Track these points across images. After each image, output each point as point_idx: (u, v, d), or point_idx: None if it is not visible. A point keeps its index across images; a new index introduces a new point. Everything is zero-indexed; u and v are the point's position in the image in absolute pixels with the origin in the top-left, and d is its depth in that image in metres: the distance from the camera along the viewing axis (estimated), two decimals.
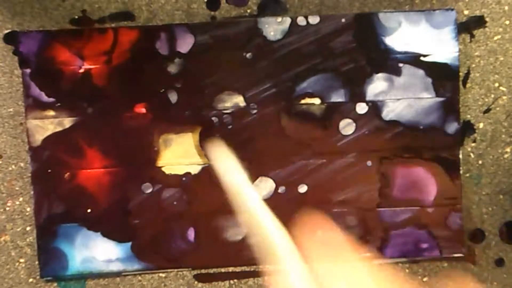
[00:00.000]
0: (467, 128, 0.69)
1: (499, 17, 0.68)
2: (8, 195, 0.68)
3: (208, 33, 0.66)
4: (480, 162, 0.69)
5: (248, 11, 0.68)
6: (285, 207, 0.67)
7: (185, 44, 0.66)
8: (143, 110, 0.66)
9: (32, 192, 0.66)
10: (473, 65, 0.68)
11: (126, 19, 0.67)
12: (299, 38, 0.66)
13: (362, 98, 0.67)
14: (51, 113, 0.66)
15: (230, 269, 0.68)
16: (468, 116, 0.69)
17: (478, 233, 0.69)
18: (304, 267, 0.49)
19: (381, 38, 0.67)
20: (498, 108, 0.69)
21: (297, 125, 0.67)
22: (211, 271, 0.68)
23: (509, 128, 0.69)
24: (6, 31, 0.67)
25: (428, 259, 0.69)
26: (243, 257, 0.67)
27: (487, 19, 0.68)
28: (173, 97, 0.66)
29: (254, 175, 0.67)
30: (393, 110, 0.67)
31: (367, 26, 0.67)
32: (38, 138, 0.66)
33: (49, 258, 0.66)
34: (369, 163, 0.67)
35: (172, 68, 0.66)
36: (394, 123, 0.67)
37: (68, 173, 0.66)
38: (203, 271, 0.68)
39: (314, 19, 0.66)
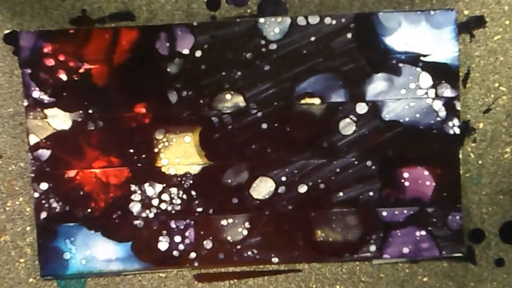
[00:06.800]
0: (467, 128, 0.69)
1: (499, 17, 0.68)
2: (8, 195, 0.68)
3: (208, 33, 0.66)
4: (480, 162, 0.69)
5: (248, 11, 0.68)
6: (285, 207, 0.67)
7: (185, 44, 0.66)
8: (143, 110, 0.66)
9: (32, 192, 0.67)
10: (473, 65, 0.68)
11: (126, 19, 0.67)
12: (299, 38, 0.66)
13: (362, 98, 0.67)
14: (51, 113, 0.66)
15: (230, 269, 0.68)
16: (468, 116, 0.69)
17: (478, 233, 0.69)
18: None
19: (381, 38, 0.67)
20: (498, 108, 0.69)
21: (297, 125, 0.67)
22: (211, 271, 0.68)
23: (509, 128, 0.69)
24: (6, 31, 0.67)
25: (428, 259, 0.69)
26: (243, 257, 0.67)
27: (487, 19, 0.68)
28: (173, 97, 0.66)
29: (254, 175, 0.67)
30: (393, 110, 0.67)
31: (367, 26, 0.67)
32: (38, 138, 0.66)
33: (49, 257, 0.66)
34: (369, 163, 0.67)
35: (172, 68, 0.66)
36: (394, 123, 0.67)
37: (68, 173, 0.66)
38: (203, 271, 0.68)
39: (314, 19, 0.66)
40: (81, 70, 0.66)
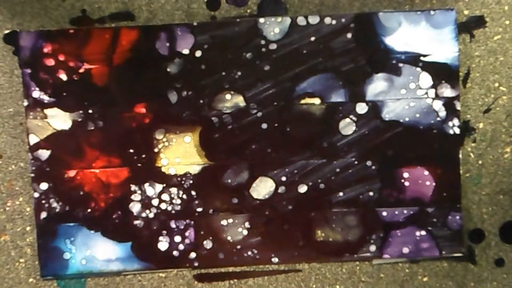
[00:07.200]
0: (467, 128, 0.69)
1: (499, 17, 0.68)
2: (8, 195, 0.68)
3: (208, 33, 0.66)
4: (480, 162, 0.69)
5: (248, 11, 0.68)
6: (285, 207, 0.67)
7: (185, 44, 0.66)
8: (143, 110, 0.66)
9: (32, 192, 0.67)
10: (473, 65, 0.68)
11: (126, 19, 0.67)
12: (299, 38, 0.66)
13: (362, 98, 0.67)
14: (51, 113, 0.66)
15: (230, 269, 0.68)
16: (468, 116, 0.69)
17: (478, 233, 0.69)
18: None
19: (381, 38, 0.67)
20: (498, 108, 0.69)
21: (297, 125, 0.67)
22: (211, 271, 0.68)
23: (509, 128, 0.69)
24: (6, 31, 0.67)
25: (428, 259, 0.69)
26: (243, 257, 0.67)
27: (487, 19, 0.68)
28: (173, 97, 0.66)
29: (254, 175, 0.67)
30: (393, 110, 0.67)
31: (367, 26, 0.67)
32: (38, 138, 0.66)
33: (49, 257, 0.66)
34: (369, 163, 0.67)
35: (172, 68, 0.66)
36: (394, 123, 0.67)
37: (68, 173, 0.66)
38: (203, 271, 0.68)
39: (314, 19, 0.66)
40: (81, 70, 0.66)
